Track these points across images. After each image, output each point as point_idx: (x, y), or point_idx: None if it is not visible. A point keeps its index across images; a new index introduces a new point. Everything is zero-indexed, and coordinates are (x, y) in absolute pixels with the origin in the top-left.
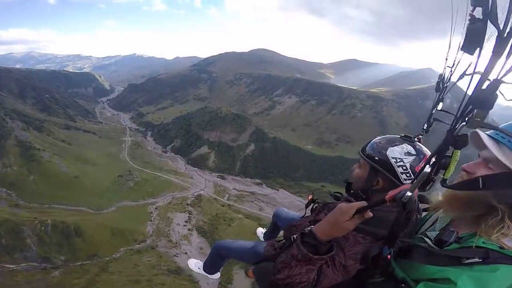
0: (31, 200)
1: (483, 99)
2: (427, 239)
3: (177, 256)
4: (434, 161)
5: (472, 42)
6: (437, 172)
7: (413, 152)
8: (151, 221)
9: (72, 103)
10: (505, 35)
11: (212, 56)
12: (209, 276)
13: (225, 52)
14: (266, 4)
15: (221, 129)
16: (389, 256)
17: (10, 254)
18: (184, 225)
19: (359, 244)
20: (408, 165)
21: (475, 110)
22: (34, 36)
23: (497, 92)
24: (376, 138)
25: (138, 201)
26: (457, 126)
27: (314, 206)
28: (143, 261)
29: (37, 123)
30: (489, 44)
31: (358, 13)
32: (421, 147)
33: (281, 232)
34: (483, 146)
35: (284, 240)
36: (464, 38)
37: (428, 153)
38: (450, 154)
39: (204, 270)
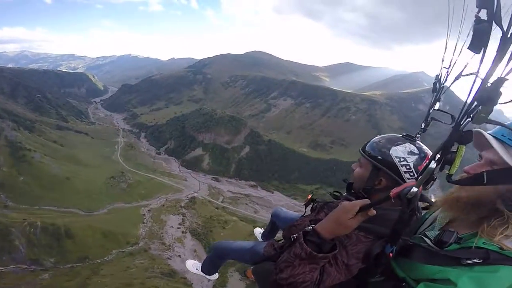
0: (21, 202)
1: (488, 96)
2: (426, 239)
3: (171, 259)
4: (439, 157)
5: (478, 42)
6: (443, 168)
7: (416, 151)
8: (143, 223)
9: (65, 103)
10: (508, 35)
11: (208, 57)
12: (207, 276)
13: (221, 54)
14: (262, 6)
15: (216, 131)
16: (391, 254)
17: None
18: (178, 228)
19: (361, 242)
20: (411, 164)
21: (480, 107)
22: (29, 35)
23: (500, 89)
24: (376, 137)
25: (130, 203)
26: (462, 122)
27: (314, 206)
28: (136, 264)
29: (28, 123)
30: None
31: (353, 16)
32: (423, 146)
33: (279, 232)
34: (486, 147)
35: (283, 240)
36: (471, 38)
37: (430, 152)
38: (455, 150)
39: (202, 270)
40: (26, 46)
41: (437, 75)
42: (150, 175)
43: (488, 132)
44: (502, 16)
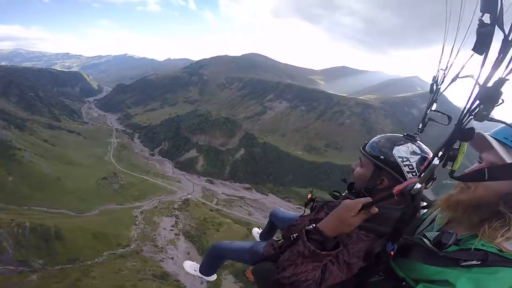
0: (9, 202)
1: (489, 94)
2: (425, 240)
3: (163, 261)
4: (442, 154)
5: (481, 44)
6: (445, 164)
7: (418, 151)
8: (136, 225)
9: (58, 102)
10: (510, 38)
11: (204, 59)
12: (205, 277)
13: (217, 56)
14: (260, 9)
15: (211, 133)
16: (392, 253)
17: None
18: (171, 230)
19: (362, 241)
20: (414, 164)
21: (482, 106)
22: (24, 33)
23: (501, 89)
24: (377, 137)
25: (123, 205)
26: (464, 120)
27: (313, 205)
28: (127, 266)
29: (19, 121)
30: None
31: (350, 20)
32: (423, 146)
33: (278, 232)
34: (486, 149)
35: (283, 240)
36: (475, 40)
37: (431, 152)
38: (457, 147)
39: (200, 271)
40: (20, 44)
41: (434, 77)
42: (143, 176)
43: (488, 133)
44: (503, 20)
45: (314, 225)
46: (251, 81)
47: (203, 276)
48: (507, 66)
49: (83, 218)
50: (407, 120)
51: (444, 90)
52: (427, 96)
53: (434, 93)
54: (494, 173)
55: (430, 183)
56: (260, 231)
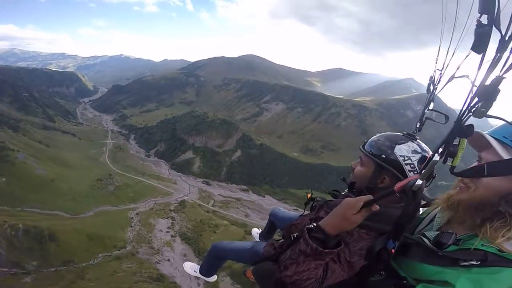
0: (2, 203)
1: (488, 92)
2: (425, 239)
3: (159, 263)
4: (442, 150)
5: (479, 44)
6: (446, 160)
7: (419, 150)
8: (131, 227)
9: (52, 103)
10: (506, 38)
11: (201, 60)
12: (206, 278)
13: (214, 57)
14: (257, 10)
15: (207, 134)
16: (393, 250)
17: None
18: (167, 232)
19: (363, 240)
20: (415, 163)
21: (480, 103)
22: (19, 33)
23: (499, 87)
24: (376, 136)
25: (118, 206)
26: (463, 117)
27: (313, 204)
28: (123, 268)
29: (13, 122)
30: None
31: (347, 22)
32: (423, 144)
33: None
34: (485, 148)
35: (283, 239)
36: (473, 40)
37: (430, 151)
38: (457, 143)
39: (200, 272)
40: (15, 43)
41: (431, 77)
42: (139, 177)
43: (487, 132)
44: (500, 21)
45: (315, 224)
46: (248, 82)
47: (204, 277)
48: (504, 65)
49: (77, 219)
50: (403, 122)
51: (441, 90)
52: (422, 98)
53: (431, 92)
54: (494, 168)
55: (430, 181)
56: (259, 231)
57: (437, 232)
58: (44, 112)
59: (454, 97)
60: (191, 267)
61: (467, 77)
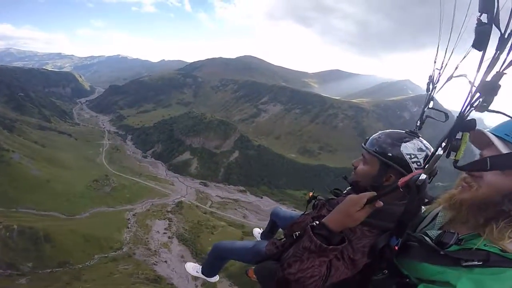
0: None
1: (489, 87)
2: (427, 238)
3: (156, 265)
4: (445, 144)
5: (480, 41)
6: (449, 155)
7: (424, 147)
8: (128, 228)
9: (48, 103)
10: (506, 36)
11: (199, 60)
12: (208, 279)
13: (212, 58)
14: (254, 11)
15: (205, 135)
16: (396, 247)
17: None
18: (164, 233)
19: (366, 237)
20: (421, 161)
21: (482, 98)
22: (16, 32)
23: (499, 83)
24: (378, 134)
25: (114, 207)
26: (466, 112)
27: (315, 203)
28: (120, 270)
29: (8, 122)
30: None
31: (343, 24)
32: (425, 142)
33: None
34: (487, 146)
35: (285, 238)
36: (474, 38)
37: (432, 148)
38: (459, 138)
39: (202, 273)
40: (12, 43)
41: (430, 76)
42: (136, 178)
43: (489, 130)
44: (500, 20)
45: (317, 221)
46: (246, 83)
47: (206, 277)
48: (504, 61)
49: (73, 221)
50: (399, 123)
51: (440, 89)
52: (418, 100)
53: (431, 91)
54: (497, 162)
55: (431, 179)
56: (261, 231)
57: (439, 231)
58: (40, 112)
59: (451, 99)
60: (193, 268)
61: (465, 76)
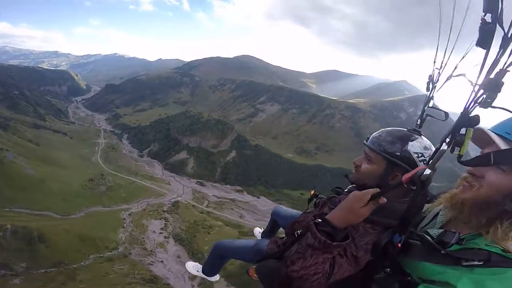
0: None
1: (493, 84)
2: (428, 237)
3: (152, 265)
4: (449, 140)
5: (484, 40)
6: (453, 150)
7: (429, 146)
8: (123, 228)
9: (44, 101)
10: (509, 35)
11: (196, 60)
12: (209, 278)
13: (210, 57)
14: (253, 11)
15: (202, 135)
16: (399, 245)
17: None
18: (160, 233)
19: (369, 234)
20: (428, 159)
21: (485, 94)
22: (12, 30)
23: (502, 80)
24: (378, 132)
25: (110, 207)
26: (469, 108)
27: (317, 201)
28: (115, 270)
29: (2, 120)
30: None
31: (342, 24)
32: (427, 140)
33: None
34: (488, 145)
35: (286, 237)
36: (478, 36)
37: (433, 147)
38: (463, 133)
39: (203, 272)
40: (7, 41)
41: (430, 75)
42: (132, 178)
43: (490, 129)
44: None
45: (320, 219)
46: (243, 83)
47: (206, 277)
48: (507, 59)
49: (68, 220)
50: (396, 124)
51: (440, 88)
52: (415, 100)
53: (431, 90)
54: (500, 157)
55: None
56: (261, 230)
57: (440, 230)
58: (35, 111)
59: (449, 100)
60: (194, 267)
61: (464, 75)
